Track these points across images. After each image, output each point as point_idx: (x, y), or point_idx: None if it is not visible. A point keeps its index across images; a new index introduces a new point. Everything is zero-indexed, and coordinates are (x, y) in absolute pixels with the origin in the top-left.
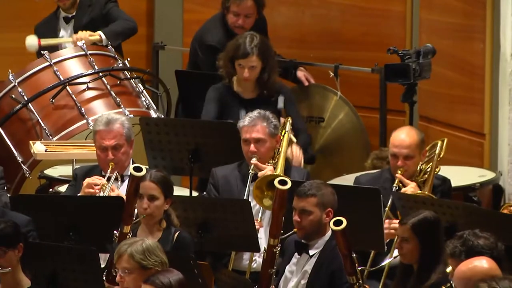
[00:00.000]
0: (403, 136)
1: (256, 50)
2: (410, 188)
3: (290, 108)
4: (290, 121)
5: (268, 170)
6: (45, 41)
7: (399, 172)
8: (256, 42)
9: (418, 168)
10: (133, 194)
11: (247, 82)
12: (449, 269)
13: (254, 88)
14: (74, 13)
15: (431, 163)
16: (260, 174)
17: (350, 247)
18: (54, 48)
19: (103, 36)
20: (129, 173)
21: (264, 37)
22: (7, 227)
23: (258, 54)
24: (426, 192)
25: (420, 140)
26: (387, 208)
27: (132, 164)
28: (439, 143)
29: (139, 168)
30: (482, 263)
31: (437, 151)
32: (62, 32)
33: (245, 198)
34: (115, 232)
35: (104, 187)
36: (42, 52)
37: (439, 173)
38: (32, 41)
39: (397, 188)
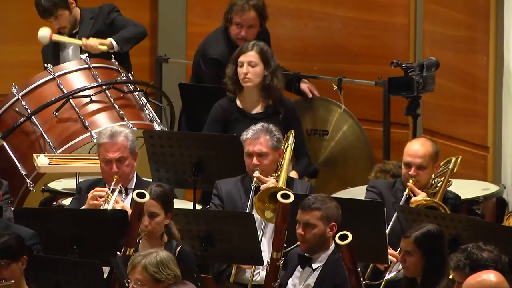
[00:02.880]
0: (418, 146)
1: (256, 48)
2: (420, 197)
3: (295, 127)
4: (293, 134)
5: (270, 183)
6: (56, 37)
7: (411, 181)
8: (257, 44)
9: (430, 181)
10: (137, 219)
11: (247, 83)
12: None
13: (258, 98)
14: (77, 29)
15: (444, 178)
16: (262, 187)
17: (356, 262)
18: (57, 61)
19: (114, 43)
20: (133, 186)
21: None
22: (11, 239)
23: (258, 52)
24: (435, 200)
25: (434, 152)
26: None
27: (136, 177)
28: (453, 159)
29: (142, 194)
30: (490, 276)
31: (450, 167)
32: (68, 49)
33: (247, 211)
34: (118, 253)
35: (108, 199)
36: (45, 65)
37: (451, 190)
38: (44, 32)
39: (407, 196)
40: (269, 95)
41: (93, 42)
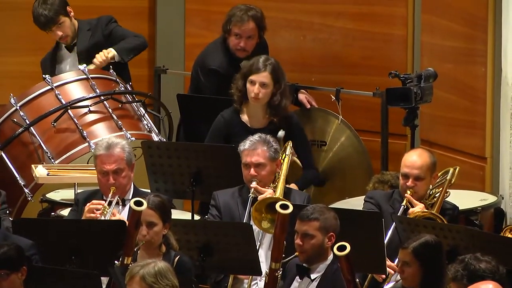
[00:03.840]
0: (415, 157)
1: (269, 67)
2: (418, 208)
3: (300, 141)
4: (291, 145)
5: (268, 193)
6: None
7: (409, 192)
8: (270, 62)
9: (427, 192)
10: (134, 227)
11: (256, 102)
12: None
13: (263, 114)
14: (75, 41)
15: (441, 188)
16: (260, 197)
17: (354, 272)
18: (53, 73)
19: (115, 53)
20: (130, 197)
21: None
22: (10, 250)
23: (271, 72)
24: (433, 212)
25: (432, 163)
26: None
27: (133, 188)
28: (451, 170)
29: (140, 202)
30: (488, 287)
31: (448, 177)
32: (66, 61)
33: (245, 221)
34: (116, 262)
35: (105, 211)
36: (44, 76)
37: (449, 200)
38: None
39: (405, 207)
40: (275, 114)
41: (101, 58)
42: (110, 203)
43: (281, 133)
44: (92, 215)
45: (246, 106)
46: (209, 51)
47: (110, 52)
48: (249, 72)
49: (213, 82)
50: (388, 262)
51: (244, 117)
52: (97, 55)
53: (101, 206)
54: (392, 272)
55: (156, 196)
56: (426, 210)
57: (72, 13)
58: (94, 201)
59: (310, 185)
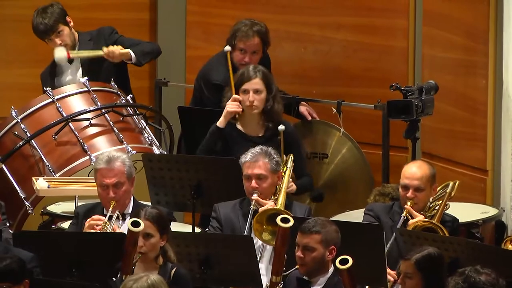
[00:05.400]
0: (415, 169)
1: (259, 74)
2: (418, 219)
3: (295, 149)
4: (292, 158)
5: (269, 205)
6: (74, 53)
7: (409, 203)
8: (259, 68)
9: (427, 204)
10: (132, 246)
11: (253, 110)
12: None
13: (258, 120)
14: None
15: (441, 201)
16: (261, 210)
17: (356, 286)
18: (52, 87)
19: (133, 54)
20: (130, 211)
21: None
22: (13, 263)
23: (262, 78)
24: (433, 222)
25: (432, 174)
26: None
27: (133, 201)
28: (451, 183)
29: (137, 223)
30: None
31: (448, 190)
32: (67, 73)
33: (245, 234)
34: (114, 279)
35: (105, 227)
36: (45, 88)
37: (449, 212)
38: (61, 53)
39: (405, 218)
40: (270, 119)
41: (114, 48)
42: (110, 218)
43: (281, 127)
44: (93, 231)
45: (241, 116)
46: (213, 65)
47: (125, 50)
48: (240, 82)
49: (217, 96)
50: (388, 270)
51: (239, 126)
52: (110, 46)
53: (101, 221)
54: (392, 279)
55: (153, 208)
56: (426, 220)
57: (71, 23)
58: (94, 217)
59: (306, 191)
